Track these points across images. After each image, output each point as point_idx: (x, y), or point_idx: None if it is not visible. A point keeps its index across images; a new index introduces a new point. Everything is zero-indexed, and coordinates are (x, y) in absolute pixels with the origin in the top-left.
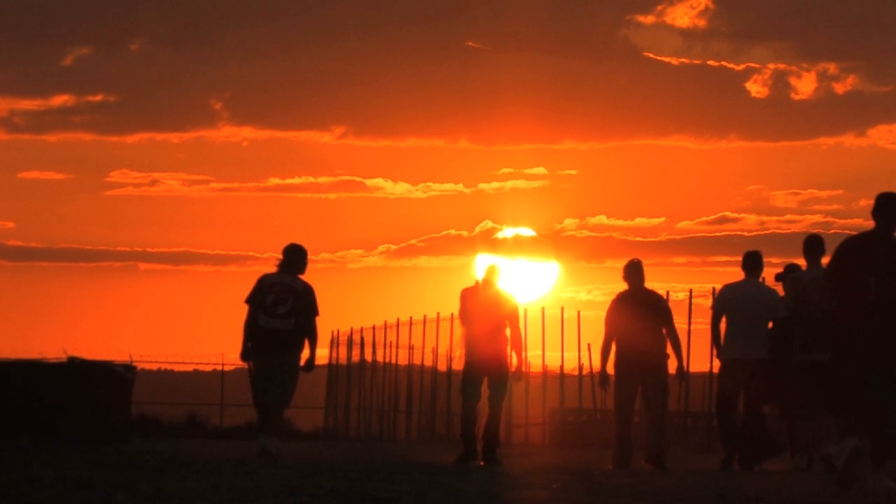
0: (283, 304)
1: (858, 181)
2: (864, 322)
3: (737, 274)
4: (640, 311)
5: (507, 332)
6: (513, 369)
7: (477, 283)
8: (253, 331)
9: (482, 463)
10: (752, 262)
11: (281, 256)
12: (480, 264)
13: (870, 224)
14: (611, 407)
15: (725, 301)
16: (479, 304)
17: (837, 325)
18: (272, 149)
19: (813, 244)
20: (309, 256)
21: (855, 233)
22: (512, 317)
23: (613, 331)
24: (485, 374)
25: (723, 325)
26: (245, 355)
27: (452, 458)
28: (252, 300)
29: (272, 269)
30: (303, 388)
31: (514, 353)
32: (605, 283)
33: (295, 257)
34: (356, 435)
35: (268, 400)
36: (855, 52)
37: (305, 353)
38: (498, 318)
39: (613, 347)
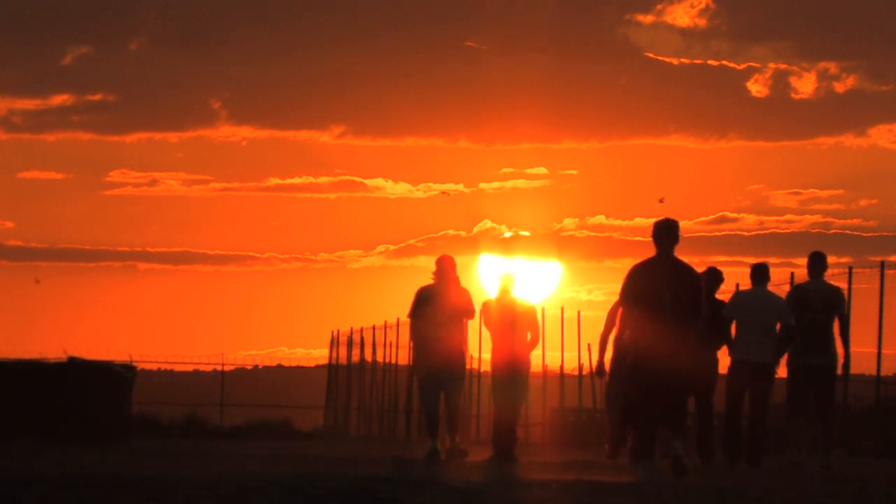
0: (440, 313)
1: (858, 181)
2: (660, 329)
3: (736, 275)
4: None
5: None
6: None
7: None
8: (417, 341)
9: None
10: (761, 273)
11: (435, 267)
12: (483, 265)
13: (869, 224)
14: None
15: (736, 307)
16: (496, 313)
17: (636, 333)
18: (272, 148)
19: (817, 259)
20: (302, 255)
21: (853, 233)
22: (531, 322)
23: (612, 326)
24: (508, 376)
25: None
26: (415, 366)
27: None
28: (413, 313)
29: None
30: (303, 389)
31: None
32: (605, 282)
33: (442, 267)
34: (356, 435)
35: (437, 404)
36: (855, 52)
37: None
38: (512, 324)
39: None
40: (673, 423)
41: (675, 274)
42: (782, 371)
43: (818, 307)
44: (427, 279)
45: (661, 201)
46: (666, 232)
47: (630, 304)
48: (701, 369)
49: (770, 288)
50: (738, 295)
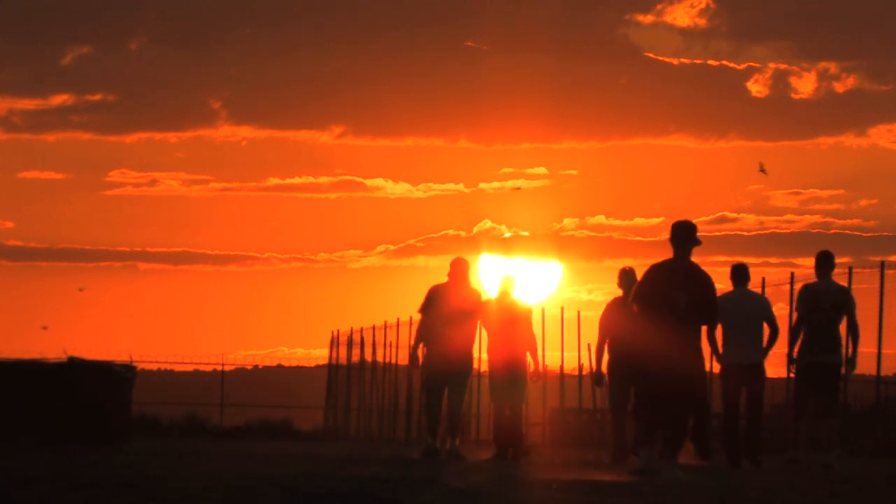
0: (457, 315)
1: (858, 181)
2: (670, 332)
3: None
4: (631, 316)
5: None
6: (530, 371)
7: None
8: (424, 337)
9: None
10: (740, 274)
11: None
12: (484, 266)
13: (869, 224)
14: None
15: (722, 311)
16: (495, 313)
17: (645, 336)
18: (272, 148)
19: (825, 259)
20: (302, 255)
21: (853, 233)
22: (524, 322)
23: (606, 333)
24: (505, 377)
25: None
26: (414, 362)
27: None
28: (425, 310)
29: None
30: (303, 389)
31: (530, 356)
32: (605, 283)
33: (454, 269)
34: (356, 435)
35: (441, 406)
36: (855, 52)
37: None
38: (512, 325)
39: (606, 348)
40: (672, 436)
41: (689, 278)
42: (783, 370)
43: (827, 307)
44: (435, 279)
45: (762, 170)
46: (683, 234)
47: (640, 305)
48: (702, 374)
49: (770, 288)
50: (722, 298)
